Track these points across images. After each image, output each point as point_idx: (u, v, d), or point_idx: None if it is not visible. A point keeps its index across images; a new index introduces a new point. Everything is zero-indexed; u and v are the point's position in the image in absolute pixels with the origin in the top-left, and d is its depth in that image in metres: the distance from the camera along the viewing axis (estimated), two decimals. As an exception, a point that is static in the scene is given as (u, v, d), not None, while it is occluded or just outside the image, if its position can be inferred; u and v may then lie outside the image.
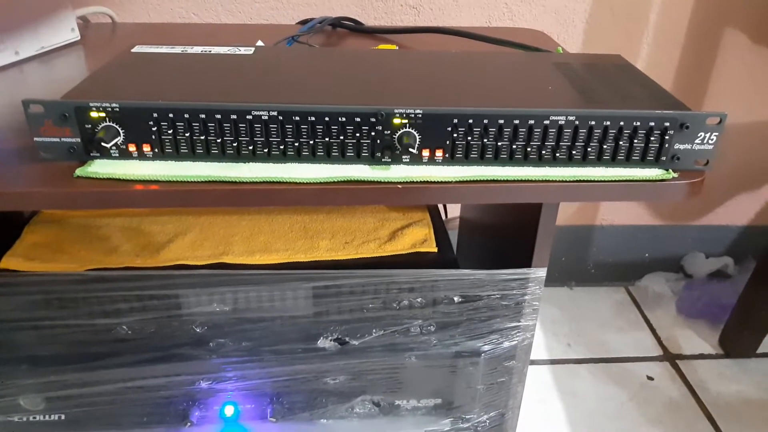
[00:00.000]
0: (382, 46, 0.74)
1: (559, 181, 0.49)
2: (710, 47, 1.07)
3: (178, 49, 0.59)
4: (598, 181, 0.49)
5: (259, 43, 0.70)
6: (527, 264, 0.67)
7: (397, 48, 0.74)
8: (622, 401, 1.06)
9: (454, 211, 1.05)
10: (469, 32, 0.77)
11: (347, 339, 0.66)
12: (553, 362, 1.14)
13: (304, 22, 0.87)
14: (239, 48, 0.60)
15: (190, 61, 0.56)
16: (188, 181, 0.46)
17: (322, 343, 0.66)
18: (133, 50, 0.58)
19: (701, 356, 1.16)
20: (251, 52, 0.59)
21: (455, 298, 0.66)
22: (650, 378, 1.11)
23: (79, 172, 0.46)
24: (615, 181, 0.49)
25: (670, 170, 0.50)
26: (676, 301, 1.28)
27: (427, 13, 0.97)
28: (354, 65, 0.58)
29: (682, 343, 1.19)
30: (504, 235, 0.76)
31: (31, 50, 0.71)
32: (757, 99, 1.13)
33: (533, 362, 1.14)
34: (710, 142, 0.50)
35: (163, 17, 0.93)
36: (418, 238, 0.71)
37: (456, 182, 0.48)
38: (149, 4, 0.92)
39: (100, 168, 0.47)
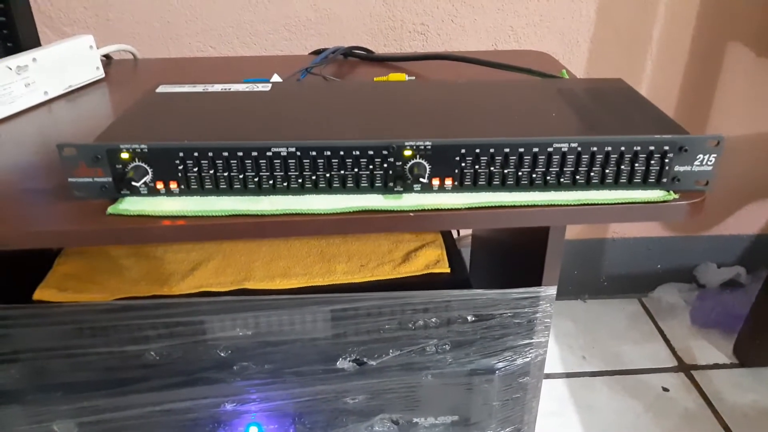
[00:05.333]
0: (392, 75, 0.77)
1: (564, 205, 0.51)
2: (714, 61, 1.09)
3: (199, 88, 0.62)
4: (601, 204, 0.52)
5: (275, 77, 0.74)
6: (538, 282, 0.69)
7: (407, 77, 0.76)
8: (638, 413, 1.07)
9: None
10: (475, 58, 0.80)
11: (365, 359, 0.68)
12: (568, 375, 1.15)
13: (317, 52, 0.90)
14: (257, 85, 0.63)
15: (211, 100, 0.59)
16: (213, 216, 0.49)
17: (341, 364, 0.68)
18: (157, 90, 0.62)
19: (716, 366, 1.17)
20: (268, 89, 0.62)
21: (469, 317, 0.68)
22: (666, 389, 1.12)
23: (111, 209, 0.50)
24: (618, 203, 0.52)
25: (671, 191, 0.52)
26: (689, 312, 1.29)
27: (434, 39, 1.01)
28: (365, 99, 0.61)
29: (696, 353, 1.20)
30: (515, 253, 0.78)
31: (59, 89, 0.74)
32: (763, 110, 1.15)
33: (548, 376, 1.15)
34: (709, 163, 0.52)
35: (182, 51, 0.97)
36: (431, 259, 0.73)
37: (465, 209, 0.51)
38: (168, 39, 0.96)
39: (131, 205, 0.50)
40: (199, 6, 0.94)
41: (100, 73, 0.80)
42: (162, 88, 0.62)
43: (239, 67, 0.85)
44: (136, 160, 0.50)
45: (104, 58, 0.86)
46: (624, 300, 1.34)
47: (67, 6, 0.93)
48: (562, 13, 1.01)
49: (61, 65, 0.74)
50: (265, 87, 0.62)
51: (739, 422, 1.05)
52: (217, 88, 0.62)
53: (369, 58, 0.88)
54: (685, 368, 1.17)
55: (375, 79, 0.77)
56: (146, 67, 0.87)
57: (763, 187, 1.25)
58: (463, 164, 0.51)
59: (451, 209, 0.51)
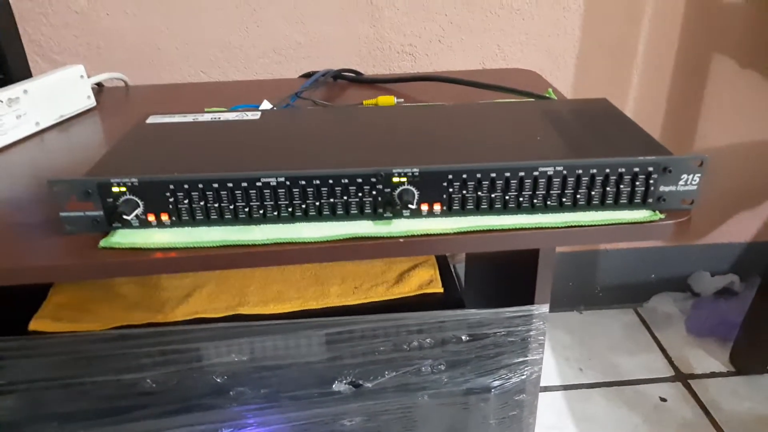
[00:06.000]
0: (381, 98, 0.78)
1: (552, 228, 0.52)
2: (700, 73, 1.11)
3: (189, 118, 0.63)
4: (588, 226, 0.52)
5: (265, 103, 0.75)
6: (530, 299, 0.70)
7: (395, 99, 0.77)
8: (636, 425, 1.07)
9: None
10: (463, 79, 0.81)
11: (361, 382, 0.68)
12: (565, 388, 1.16)
13: (307, 75, 0.91)
14: (246, 113, 0.64)
15: (201, 130, 0.60)
16: (205, 247, 0.50)
17: (337, 386, 0.68)
18: (147, 121, 0.62)
19: (713, 375, 1.18)
20: (257, 117, 0.63)
21: (463, 337, 0.69)
22: (663, 399, 1.12)
23: (103, 243, 0.50)
24: (605, 224, 0.52)
25: (657, 211, 0.53)
26: (685, 321, 1.29)
27: (423, 59, 1.02)
28: (353, 125, 0.62)
29: (693, 362, 1.21)
30: (508, 269, 0.78)
31: (51, 120, 0.75)
32: (750, 119, 1.16)
33: (546, 388, 1.15)
34: (693, 183, 0.53)
35: (174, 77, 0.98)
36: (424, 279, 0.74)
37: (454, 233, 0.51)
38: (160, 66, 0.97)
39: (123, 238, 0.51)
40: (189, 32, 0.95)
41: (92, 102, 0.80)
42: (152, 119, 0.62)
43: (230, 93, 0.85)
44: (127, 193, 0.50)
45: (96, 86, 0.86)
46: (619, 310, 1.35)
47: (58, 35, 0.94)
48: (547, 31, 1.02)
49: (52, 96, 0.75)
50: (254, 115, 0.63)
51: (737, 430, 1.06)
52: (207, 117, 0.63)
53: (358, 80, 0.89)
54: (682, 378, 1.17)
55: (364, 102, 0.77)
56: (138, 94, 0.87)
57: (753, 195, 1.26)
58: (450, 189, 0.52)
59: (441, 234, 0.51)
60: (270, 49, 0.98)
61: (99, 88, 0.87)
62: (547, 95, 0.76)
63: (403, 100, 0.78)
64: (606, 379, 1.17)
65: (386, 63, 1.01)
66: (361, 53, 1.00)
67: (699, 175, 0.52)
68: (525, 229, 0.52)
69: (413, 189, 0.51)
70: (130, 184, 0.50)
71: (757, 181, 1.23)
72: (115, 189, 0.50)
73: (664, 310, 1.32)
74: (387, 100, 0.78)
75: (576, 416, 1.10)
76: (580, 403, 1.12)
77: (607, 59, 1.07)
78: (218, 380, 0.67)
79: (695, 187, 0.53)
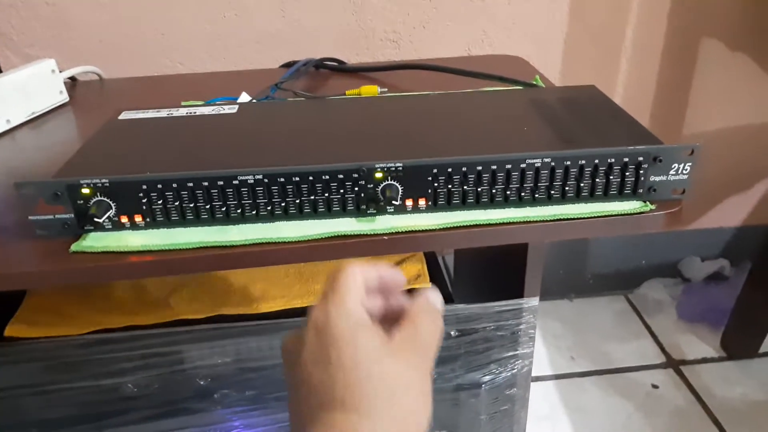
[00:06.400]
0: (363, 88, 0.75)
1: (541, 221, 0.50)
2: (689, 57, 1.09)
3: (164, 113, 0.60)
4: (578, 218, 0.51)
5: (244, 95, 0.72)
6: (520, 292, 0.68)
7: (379, 89, 0.75)
8: (629, 413, 1.07)
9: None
10: (448, 67, 0.79)
11: (348, 381, 0.67)
12: (557, 377, 1.15)
13: (288, 65, 0.88)
14: (223, 107, 0.61)
15: (176, 126, 0.58)
16: (181, 249, 0.48)
17: (324, 386, 0.67)
18: (120, 117, 0.60)
19: (704, 360, 1.17)
20: (234, 111, 0.61)
21: (452, 332, 0.67)
22: (655, 386, 1.12)
23: (74, 247, 0.48)
24: (595, 216, 0.51)
25: (648, 202, 0.51)
26: (675, 307, 1.29)
27: (407, 46, 0.99)
28: (334, 117, 0.60)
29: (684, 348, 1.20)
30: (497, 262, 0.77)
31: (22, 117, 0.72)
32: (739, 104, 1.15)
33: (538, 378, 1.15)
34: (685, 172, 0.51)
35: (150, 68, 0.95)
36: (412, 274, 0.72)
37: (440, 229, 0.50)
38: (135, 57, 0.94)
39: (95, 242, 0.48)
40: (165, 22, 0.93)
41: (65, 97, 0.77)
42: (125, 115, 0.60)
43: (208, 84, 0.83)
44: (98, 194, 0.48)
45: (69, 81, 0.84)
46: (610, 297, 1.34)
47: (29, 27, 0.91)
48: (534, 16, 1.00)
49: (23, 92, 0.72)
50: (231, 108, 0.61)
51: (729, 417, 1.05)
52: (182, 112, 0.60)
53: (341, 69, 0.87)
54: (673, 364, 1.17)
55: (347, 92, 0.75)
56: (112, 87, 0.85)
57: (743, 180, 1.25)
58: (435, 184, 0.50)
59: (427, 230, 0.50)
60: (249, 39, 0.96)
61: (72, 83, 0.85)
62: (535, 82, 0.75)
63: (387, 89, 0.76)
64: (598, 368, 1.17)
65: (369, 51, 0.99)
66: (343, 41, 0.98)
67: (690, 164, 0.51)
68: (513, 223, 0.50)
69: (397, 184, 0.49)
70: (100, 185, 0.48)
71: (746, 165, 1.22)
72: (85, 190, 0.48)
73: (654, 297, 1.31)
74: (370, 89, 0.75)
75: (568, 406, 1.09)
76: (572, 393, 1.12)
77: (595, 45, 1.05)
78: (202, 383, 0.65)
79: (686, 177, 0.51)
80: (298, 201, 0.49)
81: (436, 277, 0.73)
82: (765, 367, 1.15)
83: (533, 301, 0.67)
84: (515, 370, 0.70)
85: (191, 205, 0.49)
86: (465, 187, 0.50)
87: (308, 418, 0.32)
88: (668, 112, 1.14)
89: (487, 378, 0.69)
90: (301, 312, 0.67)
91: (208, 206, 0.49)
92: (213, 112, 0.60)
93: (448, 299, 0.70)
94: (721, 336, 1.20)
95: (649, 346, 1.21)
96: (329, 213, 0.50)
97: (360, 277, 0.36)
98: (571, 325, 1.27)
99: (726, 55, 1.09)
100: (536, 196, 0.51)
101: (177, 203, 0.49)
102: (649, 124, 1.13)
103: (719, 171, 1.21)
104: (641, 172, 0.50)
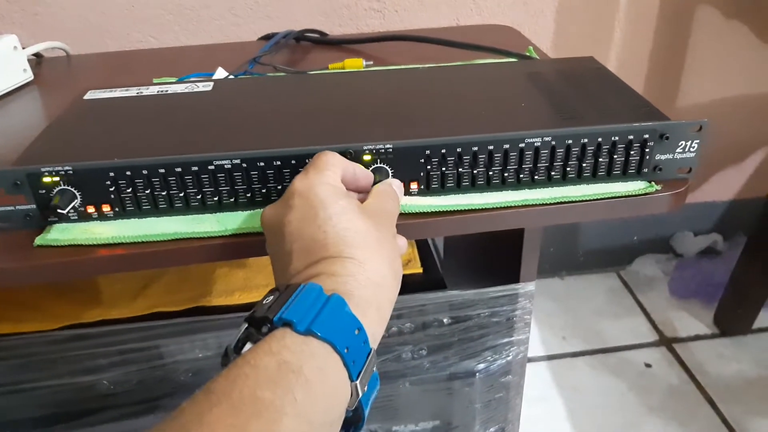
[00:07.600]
0: (348, 62, 0.71)
1: (540, 205, 0.47)
2: (684, 25, 1.06)
3: (133, 92, 0.56)
4: (579, 201, 0.47)
5: (220, 71, 0.68)
6: (516, 273, 0.65)
7: (364, 62, 0.71)
8: (623, 392, 1.06)
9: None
10: (436, 38, 0.75)
11: (338, 372, 0.64)
12: (550, 358, 1.13)
13: (267, 37, 0.84)
14: (197, 84, 0.57)
15: (146, 106, 0.53)
16: (155, 241, 0.44)
17: (312, 378, 0.64)
18: (85, 97, 0.55)
19: (697, 337, 1.16)
20: (210, 88, 0.56)
21: (445, 320, 0.65)
22: (648, 365, 1.11)
23: (39, 240, 0.44)
24: (597, 199, 0.48)
25: (653, 183, 0.48)
26: (668, 283, 1.27)
27: (392, 16, 0.95)
28: (317, 94, 0.56)
29: (677, 325, 1.19)
30: (491, 245, 0.74)
31: (-18, 98, 0.67)
32: (734, 73, 1.12)
33: (530, 359, 1.13)
34: (692, 150, 0.48)
35: (121, 43, 0.90)
36: (402, 259, 0.69)
37: (434, 213, 0.46)
38: (105, 32, 0.89)
39: (61, 234, 0.45)
40: (137, -7, 0.87)
41: (29, 76, 0.72)
42: (90, 95, 0.55)
43: (182, 60, 0.78)
44: (62, 183, 0.44)
45: (34, 58, 0.78)
46: (602, 275, 1.32)
47: (-10, 1, 0.85)
48: (526, -16, 0.96)
49: (-18, 70, 0.67)
50: (206, 86, 0.57)
51: (723, 394, 1.04)
52: (153, 90, 0.56)
53: (323, 41, 0.83)
54: (666, 342, 1.15)
55: (329, 66, 0.71)
56: (80, 64, 0.80)
57: (735, 152, 1.23)
58: (428, 166, 0.46)
59: (420, 213, 0.46)
60: (225, 10, 0.91)
61: (37, 60, 0.79)
62: (528, 54, 0.71)
63: (372, 62, 0.72)
64: (590, 347, 1.15)
65: (353, 21, 0.94)
66: (326, 10, 0.93)
67: (698, 141, 0.48)
68: (511, 207, 0.47)
69: (387, 167, 0.46)
70: (63, 172, 0.44)
71: (740, 136, 1.19)
72: (46, 179, 0.44)
73: (646, 273, 1.29)
74: (355, 63, 0.71)
75: (561, 386, 1.07)
76: (565, 373, 1.10)
77: (587, 12, 1.01)
78: (182, 378, 0.62)
79: (693, 155, 0.48)
80: (280, 187, 0.46)
81: (427, 261, 0.70)
82: (759, 344, 1.14)
83: (530, 286, 0.64)
84: (510, 357, 0.68)
85: (164, 193, 0.45)
86: (460, 169, 0.47)
87: (305, 274, 0.36)
88: (663, 80, 1.10)
89: (481, 366, 0.67)
90: (287, 301, 0.64)
91: (182, 194, 0.45)
92: (186, 90, 0.56)
93: (440, 285, 0.67)
94: (714, 312, 1.19)
95: (641, 324, 1.20)
96: (314, 199, 0.47)
97: (339, 160, 0.41)
98: (563, 303, 1.25)
99: (722, 23, 1.05)
100: (536, 177, 0.48)
101: (148, 191, 0.45)
102: (644, 94, 1.10)
103: (712, 142, 1.18)
104: (647, 150, 0.47)
